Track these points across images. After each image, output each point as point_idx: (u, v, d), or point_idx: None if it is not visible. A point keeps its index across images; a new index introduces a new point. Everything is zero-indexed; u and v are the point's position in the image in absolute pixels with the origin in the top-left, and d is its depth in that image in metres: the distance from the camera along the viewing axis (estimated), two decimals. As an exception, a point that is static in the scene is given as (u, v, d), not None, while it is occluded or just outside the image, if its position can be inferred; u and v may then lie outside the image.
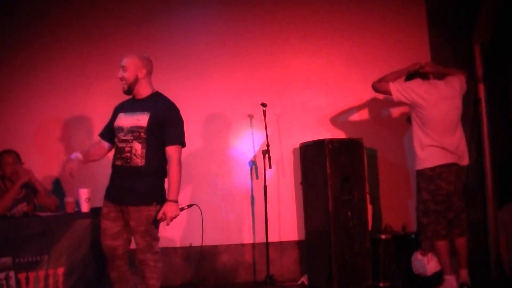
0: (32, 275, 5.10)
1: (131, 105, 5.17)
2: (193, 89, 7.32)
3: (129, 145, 5.01)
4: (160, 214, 4.92)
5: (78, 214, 5.60)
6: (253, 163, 7.23)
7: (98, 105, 6.96)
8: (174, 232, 7.11)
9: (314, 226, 6.88)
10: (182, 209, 5.05)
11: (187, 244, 7.20)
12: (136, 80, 5.09)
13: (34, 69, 7.20)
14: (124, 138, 5.04)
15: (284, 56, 7.45)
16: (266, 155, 6.80)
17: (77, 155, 5.17)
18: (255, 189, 7.24)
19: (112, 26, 7.35)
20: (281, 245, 7.25)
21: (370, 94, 7.26)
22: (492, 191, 6.86)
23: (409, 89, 6.12)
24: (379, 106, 7.42)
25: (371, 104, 7.42)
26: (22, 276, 5.03)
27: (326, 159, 6.46)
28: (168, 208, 4.91)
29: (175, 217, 4.96)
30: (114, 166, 5.13)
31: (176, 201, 4.95)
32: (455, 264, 6.23)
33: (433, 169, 5.98)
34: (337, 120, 7.34)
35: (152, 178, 5.04)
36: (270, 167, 6.78)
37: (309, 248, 7.02)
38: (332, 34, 7.52)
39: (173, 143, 5.00)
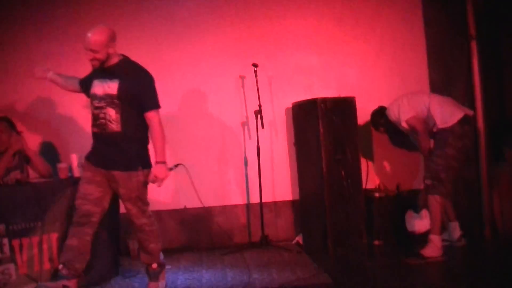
0: (26, 241, 5.11)
1: (102, 71, 5.07)
2: (184, 51, 7.24)
3: (103, 111, 4.98)
4: (151, 177, 4.94)
5: (71, 179, 5.60)
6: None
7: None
8: (168, 195, 7.12)
9: (308, 186, 6.89)
10: (170, 169, 5.12)
11: (181, 207, 7.20)
12: (109, 57, 5.01)
13: (22, 34, 7.08)
14: (98, 105, 5.02)
15: (275, 17, 7.35)
16: (258, 116, 6.78)
17: (48, 71, 5.47)
18: (248, 150, 7.22)
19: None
20: (275, 205, 7.26)
21: (362, 53, 7.25)
22: (485, 150, 6.84)
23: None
24: (371, 65, 7.38)
25: (363, 63, 7.37)
26: (16, 243, 5.04)
27: (319, 118, 6.45)
28: (158, 170, 4.94)
29: (165, 178, 4.98)
30: (92, 133, 5.13)
31: (164, 162, 4.98)
32: (444, 218, 6.29)
33: (462, 126, 5.99)
34: (329, 80, 7.30)
35: (135, 144, 5.04)
36: (262, 127, 6.77)
37: (303, 208, 7.04)
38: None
39: (150, 108, 5.00)
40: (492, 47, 7.19)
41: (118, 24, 6.57)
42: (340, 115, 6.55)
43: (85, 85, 5.28)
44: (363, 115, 6.99)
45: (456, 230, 6.28)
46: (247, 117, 7.19)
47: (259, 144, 6.89)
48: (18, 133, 6.03)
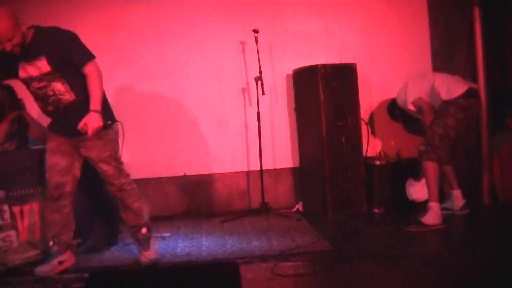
0: (26, 208, 5.11)
1: (23, 52, 4.72)
2: (183, 17, 7.20)
3: (49, 89, 4.75)
4: (81, 124, 4.61)
5: (70, 145, 5.57)
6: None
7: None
8: (168, 161, 7.11)
9: (308, 153, 6.88)
10: (107, 125, 4.73)
11: (181, 174, 7.20)
12: (14, 37, 4.59)
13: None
14: (40, 85, 4.75)
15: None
16: (259, 82, 6.74)
17: None
18: (248, 116, 7.20)
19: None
20: (275, 172, 7.27)
21: (364, 19, 7.20)
22: (486, 117, 6.81)
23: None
24: (373, 31, 7.32)
25: (365, 30, 7.32)
26: (16, 209, 5.04)
27: (319, 84, 6.45)
28: (90, 118, 4.60)
29: (97, 128, 4.63)
30: (47, 112, 4.90)
31: (98, 112, 4.65)
32: (447, 187, 6.28)
33: (467, 98, 5.94)
34: (330, 46, 7.26)
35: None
36: (263, 93, 6.74)
37: (303, 175, 7.05)
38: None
39: (84, 62, 4.67)
40: (495, 15, 7.12)
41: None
42: (340, 81, 6.55)
43: (4, 71, 4.95)
44: (365, 81, 6.97)
45: (458, 199, 6.27)
46: (247, 83, 7.14)
47: (259, 110, 6.86)
48: (19, 100, 5.99)
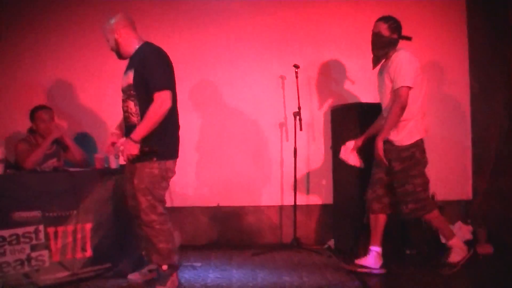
0: (60, 229, 5.15)
1: (127, 65, 5.05)
2: (226, 48, 7.29)
3: (125, 104, 4.96)
4: (110, 147, 5.00)
5: (107, 170, 5.65)
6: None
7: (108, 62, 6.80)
8: (202, 192, 7.14)
9: (342, 190, 6.85)
10: (146, 155, 4.78)
11: (215, 204, 7.22)
12: (117, 43, 5.00)
13: (62, 27, 7.18)
14: (122, 98, 4.99)
15: (317, 19, 7.35)
16: (297, 117, 6.75)
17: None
18: (284, 151, 7.20)
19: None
20: (308, 208, 7.24)
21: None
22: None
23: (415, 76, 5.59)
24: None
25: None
26: (51, 230, 5.08)
27: (357, 123, 6.41)
28: (125, 144, 4.76)
29: (131, 156, 4.73)
30: (125, 128, 5.08)
31: (137, 142, 4.71)
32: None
33: (422, 140, 5.65)
34: (368, 84, 7.22)
35: (151, 135, 4.78)
36: (300, 129, 6.74)
37: (336, 212, 7.01)
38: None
39: (155, 88, 4.72)
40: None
41: (150, 17, 6.71)
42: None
43: None
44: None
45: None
46: (285, 118, 7.17)
47: (296, 146, 6.88)
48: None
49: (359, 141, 5.94)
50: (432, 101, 7.06)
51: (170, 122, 4.89)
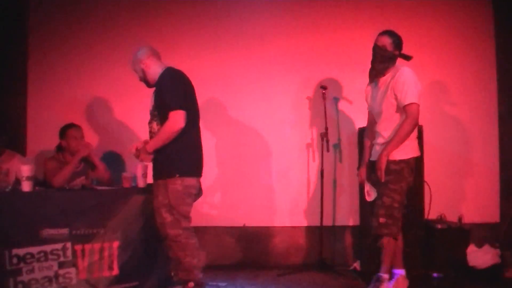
0: (87, 247, 5.19)
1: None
2: (252, 68, 7.34)
3: (150, 125, 5.29)
4: (133, 148, 5.22)
5: (135, 189, 5.67)
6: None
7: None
8: (227, 211, 7.16)
9: (369, 212, 6.81)
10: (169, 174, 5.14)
11: (239, 224, 7.22)
12: (144, 72, 5.37)
13: (97, 45, 7.29)
14: (149, 120, 5.33)
15: (343, 40, 7.36)
16: (324, 139, 6.76)
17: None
18: (311, 171, 7.21)
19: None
20: (334, 229, 7.20)
21: (430, 81, 7.18)
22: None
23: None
24: (439, 93, 7.31)
25: (431, 91, 7.24)
26: (78, 247, 5.13)
27: (384, 144, 6.38)
28: (142, 150, 5.17)
29: (142, 159, 5.22)
30: None
31: (150, 153, 5.15)
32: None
33: (416, 159, 5.53)
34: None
35: (169, 150, 5.12)
36: (328, 150, 6.74)
37: (362, 233, 6.97)
38: (401, 18, 7.31)
39: (170, 108, 5.03)
40: None
41: (184, 33, 6.77)
42: (406, 142, 6.46)
43: None
44: (430, 143, 6.88)
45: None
46: (312, 139, 7.17)
47: (323, 167, 6.87)
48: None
49: (363, 173, 5.86)
50: (460, 123, 7.06)
51: (189, 140, 5.20)
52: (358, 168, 6.01)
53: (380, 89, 5.61)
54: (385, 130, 5.53)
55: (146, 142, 5.23)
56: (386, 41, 5.55)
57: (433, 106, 7.26)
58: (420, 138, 6.47)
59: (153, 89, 5.32)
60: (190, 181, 5.16)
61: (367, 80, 6.30)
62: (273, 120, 7.31)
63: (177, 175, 5.07)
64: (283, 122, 7.32)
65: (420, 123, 6.48)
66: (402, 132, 5.32)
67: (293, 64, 7.34)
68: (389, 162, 5.34)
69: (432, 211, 6.98)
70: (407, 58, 5.61)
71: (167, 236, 5.12)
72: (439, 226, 6.62)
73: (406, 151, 5.39)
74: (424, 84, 7.15)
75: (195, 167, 5.26)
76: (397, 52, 5.55)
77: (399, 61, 5.57)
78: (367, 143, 5.91)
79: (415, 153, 5.48)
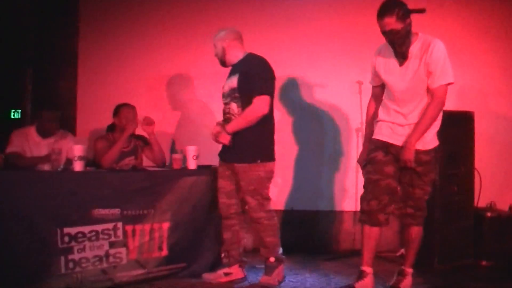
0: (138, 228, 5.28)
1: (229, 72, 5.45)
2: (303, 50, 7.29)
3: (227, 106, 5.31)
4: (215, 130, 5.24)
5: (185, 171, 5.70)
6: None
7: (204, 65, 6.89)
8: (276, 194, 7.12)
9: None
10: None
11: (288, 208, 7.22)
12: (224, 52, 5.44)
13: (145, 27, 7.30)
14: (224, 101, 5.36)
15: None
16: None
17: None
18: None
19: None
20: (382, 215, 7.14)
21: (486, 66, 7.06)
22: None
23: None
24: (495, 79, 7.20)
25: (486, 77, 7.14)
26: (129, 228, 5.22)
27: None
28: (217, 129, 5.23)
29: (219, 142, 5.26)
30: None
31: (229, 134, 5.17)
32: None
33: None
34: (448, 92, 7.07)
35: (254, 136, 5.19)
36: (376, 136, 6.68)
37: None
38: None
39: (256, 92, 5.11)
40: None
41: (244, 23, 6.74)
42: (457, 129, 6.36)
43: None
44: (481, 130, 6.76)
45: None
46: (361, 123, 7.09)
47: (372, 152, 6.79)
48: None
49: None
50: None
51: (269, 126, 5.31)
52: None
53: (410, 61, 4.93)
54: (408, 110, 4.97)
55: (220, 124, 5.29)
56: (391, 22, 4.77)
57: (484, 93, 7.15)
58: (471, 125, 6.42)
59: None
60: (271, 165, 5.31)
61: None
62: (323, 102, 7.26)
63: (259, 161, 5.19)
64: (334, 106, 7.26)
65: (471, 110, 6.43)
66: (430, 117, 4.85)
67: (345, 46, 7.27)
68: (419, 153, 4.90)
69: (482, 199, 6.89)
70: (422, 11, 5.00)
71: (250, 218, 5.35)
72: (489, 215, 6.54)
73: (434, 139, 5.03)
74: (478, 68, 7.09)
75: (273, 152, 5.36)
76: (408, 20, 4.83)
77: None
78: (370, 119, 5.47)
79: (437, 140, 5.10)
